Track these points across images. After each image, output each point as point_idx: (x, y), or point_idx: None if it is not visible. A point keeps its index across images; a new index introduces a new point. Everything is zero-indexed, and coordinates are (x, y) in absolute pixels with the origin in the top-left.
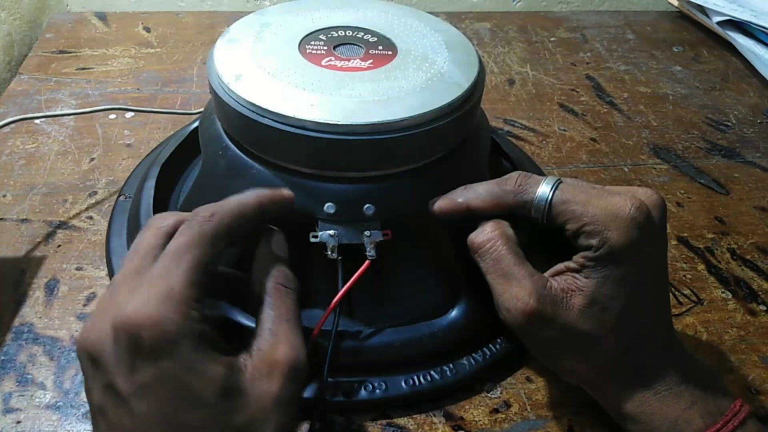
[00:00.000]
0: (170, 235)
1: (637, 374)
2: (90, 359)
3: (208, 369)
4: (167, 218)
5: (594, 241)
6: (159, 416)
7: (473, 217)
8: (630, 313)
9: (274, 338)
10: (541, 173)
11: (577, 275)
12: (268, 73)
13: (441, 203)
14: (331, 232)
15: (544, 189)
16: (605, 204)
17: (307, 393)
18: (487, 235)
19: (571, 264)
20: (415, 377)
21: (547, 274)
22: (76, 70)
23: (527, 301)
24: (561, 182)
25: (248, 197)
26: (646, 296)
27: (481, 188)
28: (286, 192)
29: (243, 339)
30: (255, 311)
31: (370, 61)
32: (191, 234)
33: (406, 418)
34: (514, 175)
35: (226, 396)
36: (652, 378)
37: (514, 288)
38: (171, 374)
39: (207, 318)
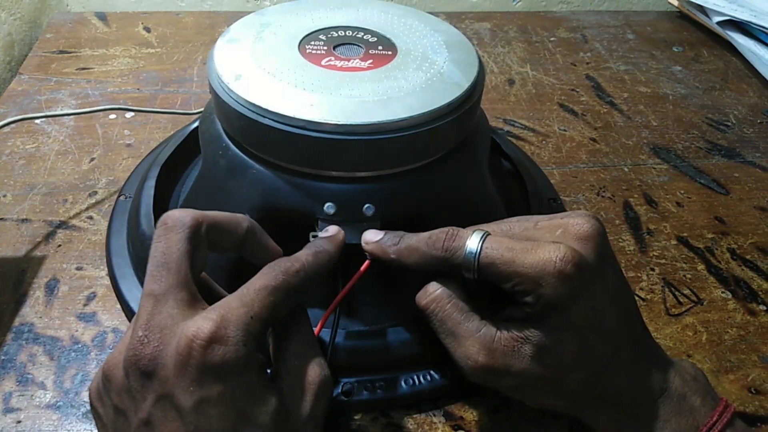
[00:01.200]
0: (194, 238)
1: (606, 399)
2: (143, 372)
3: (265, 396)
4: (185, 218)
5: (529, 298)
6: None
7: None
8: (586, 352)
9: (300, 361)
10: (541, 173)
11: (524, 324)
12: (268, 73)
13: (372, 247)
14: None
15: (470, 249)
16: (531, 261)
17: None
18: (429, 297)
19: (516, 313)
20: (416, 377)
21: (498, 317)
22: (77, 70)
23: (476, 359)
24: (486, 239)
25: (324, 256)
26: (602, 330)
27: (414, 247)
28: (341, 234)
29: None
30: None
31: (370, 61)
32: (277, 281)
33: (406, 418)
34: (442, 235)
35: (277, 419)
36: (621, 401)
37: (462, 347)
38: (235, 395)
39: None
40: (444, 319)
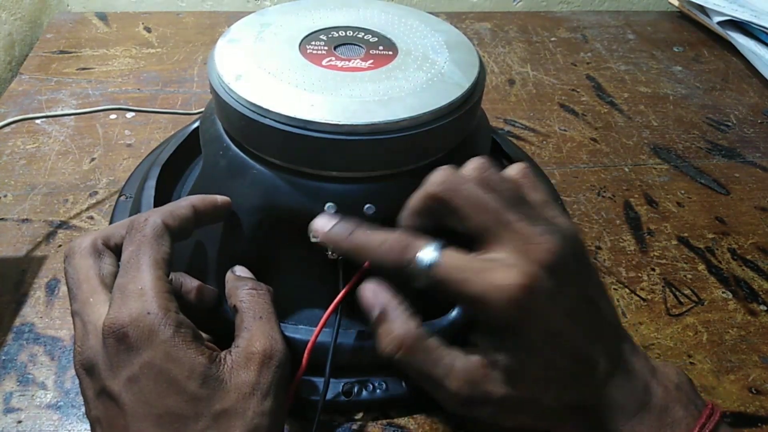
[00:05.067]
0: (97, 253)
1: (584, 414)
2: (87, 372)
3: (188, 357)
4: (83, 240)
5: (484, 319)
6: (145, 405)
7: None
8: (553, 369)
9: (249, 334)
10: (542, 173)
11: (487, 350)
12: (269, 73)
13: (322, 238)
14: None
15: (422, 263)
16: (482, 284)
17: (309, 393)
18: (396, 342)
19: (479, 338)
20: None
21: (468, 343)
22: (77, 70)
23: (459, 395)
24: (442, 254)
25: (180, 201)
26: (566, 347)
27: (366, 248)
28: (219, 198)
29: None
30: (234, 319)
31: (371, 61)
32: (136, 240)
33: (406, 418)
34: (395, 245)
35: (206, 384)
36: (599, 415)
37: (444, 386)
38: (152, 362)
39: (183, 311)
40: (421, 365)
